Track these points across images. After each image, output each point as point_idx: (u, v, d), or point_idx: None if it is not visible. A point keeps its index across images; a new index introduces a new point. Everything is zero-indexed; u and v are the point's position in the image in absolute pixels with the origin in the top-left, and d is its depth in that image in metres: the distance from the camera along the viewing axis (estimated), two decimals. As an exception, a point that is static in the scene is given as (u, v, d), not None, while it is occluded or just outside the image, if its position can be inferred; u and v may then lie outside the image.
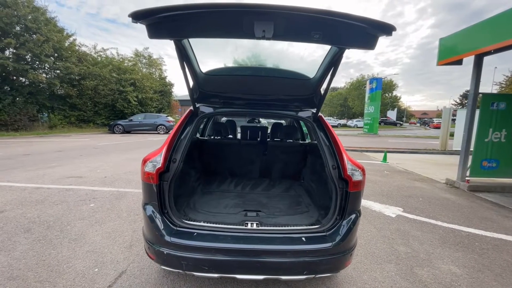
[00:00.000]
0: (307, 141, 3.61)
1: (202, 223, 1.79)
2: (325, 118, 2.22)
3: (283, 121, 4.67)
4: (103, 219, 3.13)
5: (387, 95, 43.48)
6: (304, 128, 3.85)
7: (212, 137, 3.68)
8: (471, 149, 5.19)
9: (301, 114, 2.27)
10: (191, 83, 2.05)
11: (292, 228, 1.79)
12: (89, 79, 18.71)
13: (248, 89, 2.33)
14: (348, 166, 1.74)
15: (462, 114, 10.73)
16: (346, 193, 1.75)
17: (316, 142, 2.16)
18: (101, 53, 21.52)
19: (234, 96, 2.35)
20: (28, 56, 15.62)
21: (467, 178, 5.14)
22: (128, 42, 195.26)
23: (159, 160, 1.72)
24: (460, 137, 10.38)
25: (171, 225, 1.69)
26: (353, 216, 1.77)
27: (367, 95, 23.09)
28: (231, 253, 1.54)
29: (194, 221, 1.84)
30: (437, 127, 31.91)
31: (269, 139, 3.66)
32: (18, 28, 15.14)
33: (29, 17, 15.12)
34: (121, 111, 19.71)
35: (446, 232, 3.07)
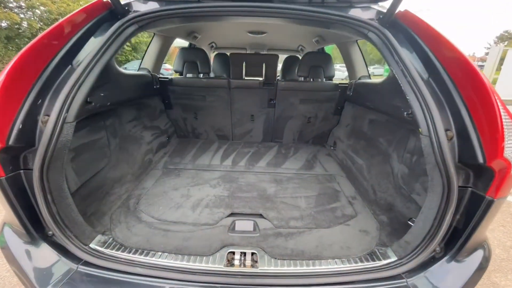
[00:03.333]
0: (344, 80, 2.28)
1: (132, 257, 0.95)
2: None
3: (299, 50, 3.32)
4: None
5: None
6: (338, 61, 2.45)
7: (182, 75, 2.28)
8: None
9: (354, 13, 1.11)
10: None
11: (333, 269, 0.92)
12: (72, 19, 16.45)
13: None
14: (510, 137, 0.70)
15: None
16: (479, 201, 0.81)
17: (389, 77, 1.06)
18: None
19: None
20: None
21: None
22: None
23: None
24: (509, 84, 8.68)
25: (67, 260, 0.89)
26: (478, 254, 0.89)
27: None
28: None
29: (120, 247, 1.01)
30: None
31: (279, 77, 2.43)
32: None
33: None
34: (115, 57, 17.95)
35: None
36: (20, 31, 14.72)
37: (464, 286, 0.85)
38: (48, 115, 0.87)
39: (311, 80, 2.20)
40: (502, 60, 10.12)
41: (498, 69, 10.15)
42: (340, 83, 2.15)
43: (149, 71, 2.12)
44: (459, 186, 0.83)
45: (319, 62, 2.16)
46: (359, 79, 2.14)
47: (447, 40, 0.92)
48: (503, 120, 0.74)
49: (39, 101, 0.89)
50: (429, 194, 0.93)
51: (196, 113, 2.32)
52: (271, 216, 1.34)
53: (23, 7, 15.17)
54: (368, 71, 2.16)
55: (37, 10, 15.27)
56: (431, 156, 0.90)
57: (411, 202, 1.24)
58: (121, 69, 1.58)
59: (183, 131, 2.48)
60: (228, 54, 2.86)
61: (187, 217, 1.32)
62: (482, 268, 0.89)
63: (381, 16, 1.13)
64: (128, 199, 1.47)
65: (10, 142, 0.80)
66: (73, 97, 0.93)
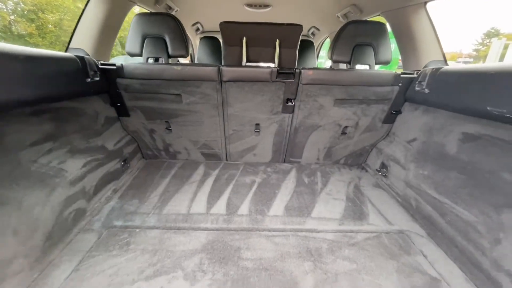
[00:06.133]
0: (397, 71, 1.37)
1: None
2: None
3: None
4: None
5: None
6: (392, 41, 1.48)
7: (142, 59, 1.36)
8: None
9: None
10: None
11: None
12: (49, 11, 15.14)
13: None
14: None
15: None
16: None
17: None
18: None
19: None
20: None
21: None
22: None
23: None
24: None
25: None
26: None
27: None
28: None
29: None
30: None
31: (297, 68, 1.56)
32: None
33: None
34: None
35: None
36: (-10, 23, 13.38)
37: None
38: None
39: (354, 68, 1.38)
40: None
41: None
42: (403, 73, 1.32)
43: (86, 54, 1.26)
44: None
45: (368, 37, 1.32)
46: (426, 66, 1.33)
47: None
48: None
49: None
50: None
51: (169, 122, 1.47)
52: None
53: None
54: (444, 54, 1.35)
55: (9, 1, 13.95)
56: None
57: None
58: (5, 44, 0.74)
59: (151, 149, 1.63)
60: (219, 38, 2.02)
61: None
62: None
63: None
64: None
65: None
66: None
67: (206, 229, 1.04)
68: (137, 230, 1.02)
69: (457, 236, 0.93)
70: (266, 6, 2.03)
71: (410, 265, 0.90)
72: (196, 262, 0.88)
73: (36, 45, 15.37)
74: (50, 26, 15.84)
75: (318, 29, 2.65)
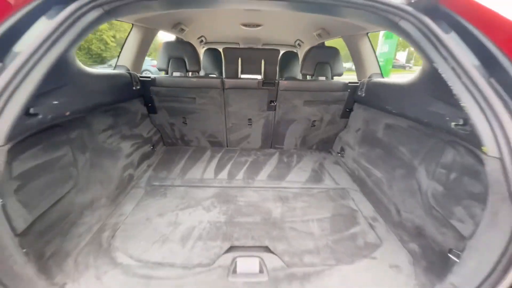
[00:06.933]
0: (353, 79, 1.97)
1: None
2: None
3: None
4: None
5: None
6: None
7: (167, 73, 1.93)
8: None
9: None
10: None
11: None
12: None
13: None
14: None
15: None
16: None
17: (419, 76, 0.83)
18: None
19: None
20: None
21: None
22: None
23: None
24: None
25: None
26: None
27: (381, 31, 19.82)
28: None
29: None
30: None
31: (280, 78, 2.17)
32: None
33: None
34: (99, 54, 17.08)
35: None
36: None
37: None
38: None
39: (317, 78, 1.94)
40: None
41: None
42: (350, 83, 1.89)
43: (127, 70, 1.80)
44: None
45: (326, 57, 1.89)
46: (370, 77, 1.89)
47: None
48: None
49: None
50: (487, 229, 0.70)
51: (185, 118, 2.02)
52: (281, 250, 1.08)
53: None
54: (380, 68, 1.91)
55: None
56: (501, 186, 0.66)
57: (447, 228, 1.01)
58: (88, 68, 1.26)
59: (170, 138, 2.17)
60: (220, 49, 2.55)
61: (176, 256, 1.05)
62: None
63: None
64: (101, 231, 1.17)
65: None
66: (2, 109, 0.63)
67: (214, 186, 1.59)
68: (170, 187, 1.57)
69: (373, 187, 1.49)
70: (258, 25, 2.57)
71: (342, 204, 1.45)
72: (209, 203, 1.42)
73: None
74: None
75: (302, 42, 3.20)
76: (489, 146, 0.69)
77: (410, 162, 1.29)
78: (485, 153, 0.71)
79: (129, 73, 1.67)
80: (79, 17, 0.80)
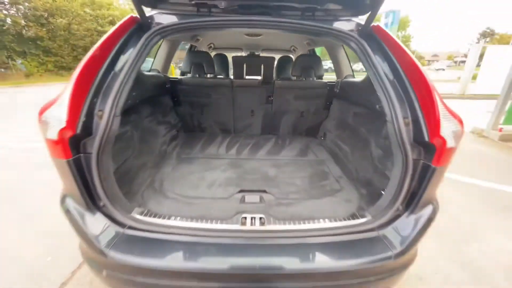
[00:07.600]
0: (332, 79, 2.62)
1: (167, 222, 1.18)
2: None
3: (293, 51, 3.63)
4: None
5: (399, 33, 39.22)
6: (327, 62, 2.77)
7: (189, 75, 2.56)
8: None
9: (338, 25, 1.42)
10: None
11: (324, 226, 1.18)
12: (59, 16, 16.06)
13: None
14: (444, 122, 1.01)
15: (494, 52, 9.37)
16: (427, 169, 1.09)
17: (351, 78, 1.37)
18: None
19: None
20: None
21: (500, 126, 4.49)
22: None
23: (60, 114, 0.98)
24: (487, 79, 9.44)
25: (115, 226, 1.10)
26: (428, 209, 1.17)
27: (380, 32, 20.45)
28: (217, 279, 0.99)
29: (155, 215, 1.25)
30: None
31: (276, 78, 2.74)
32: None
33: None
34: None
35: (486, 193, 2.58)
36: (4, 28, 14.28)
37: (419, 232, 1.18)
38: (102, 110, 1.12)
39: (304, 79, 2.51)
40: (483, 56, 10.75)
41: (479, 65, 10.72)
42: (328, 82, 2.46)
43: (159, 72, 2.37)
44: (413, 159, 1.13)
45: (310, 63, 2.47)
46: (345, 78, 2.46)
47: (406, 52, 1.24)
48: (440, 110, 1.06)
49: (95, 100, 1.14)
50: (394, 167, 1.25)
51: (202, 109, 2.59)
52: (274, 191, 1.65)
53: (6, 3, 14.72)
54: (352, 70, 2.49)
55: (21, 6, 14.84)
56: (394, 137, 1.22)
57: (384, 177, 1.57)
58: (142, 71, 1.83)
59: (189, 126, 2.74)
60: (226, 54, 3.11)
61: (206, 193, 1.61)
62: (431, 218, 1.22)
63: (359, 28, 1.43)
64: (153, 182, 1.74)
65: (78, 131, 1.05)
66: (120, 96, 1.19)
67: (227, 158, 2.16)
68: (194, 158, 2.14)
69: (342, 157, 2.06)
70: (258, 35, 3.15)
71: (318, 169, 2.02)
72: (224, 167, 1.99)
73: (46, 49, 16.27)
74: (63, 32, 16.58)
75: (296, 47, 3.78)
76: (388, 116, 1.25)
77: (366, 137, 1.85)
78: (387, 120, 1.27)
79: (163, 75, 2.25)
80: (148, 42, 1.34)
